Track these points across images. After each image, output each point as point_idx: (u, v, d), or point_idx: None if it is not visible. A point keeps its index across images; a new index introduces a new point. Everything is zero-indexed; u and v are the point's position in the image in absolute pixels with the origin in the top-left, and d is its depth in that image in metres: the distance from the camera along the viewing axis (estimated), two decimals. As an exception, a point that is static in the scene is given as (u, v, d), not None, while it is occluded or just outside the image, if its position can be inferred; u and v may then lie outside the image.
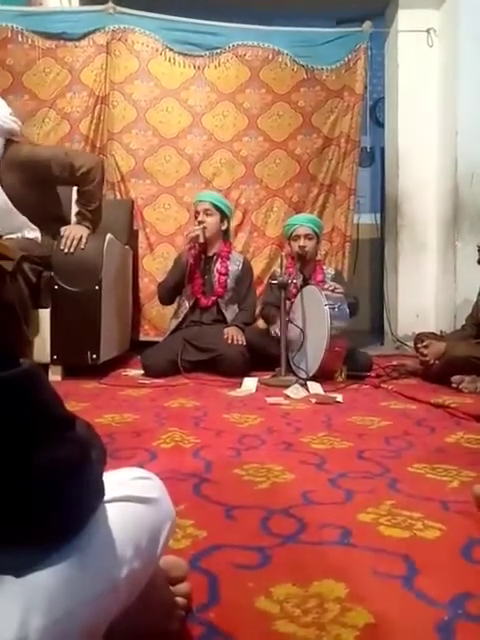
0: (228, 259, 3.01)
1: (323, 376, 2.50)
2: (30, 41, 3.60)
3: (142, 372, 2.67)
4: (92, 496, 0.49)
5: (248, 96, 3.74)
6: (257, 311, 3.17)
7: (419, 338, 2.79)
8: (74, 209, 2.77)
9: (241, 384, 2.41)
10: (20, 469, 0.41)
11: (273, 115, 3.76)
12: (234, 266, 3.00)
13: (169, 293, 3.04)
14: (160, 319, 3.50)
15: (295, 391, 2.26)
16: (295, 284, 2.78)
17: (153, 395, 2.19)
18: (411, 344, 3.27)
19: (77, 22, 3.64)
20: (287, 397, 2.19)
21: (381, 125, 4.82)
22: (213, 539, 0.88)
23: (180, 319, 2.94)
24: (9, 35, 3.57)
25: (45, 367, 2.44)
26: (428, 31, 4.02)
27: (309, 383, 2.38)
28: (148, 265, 3.66)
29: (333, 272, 3.11)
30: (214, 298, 2.94)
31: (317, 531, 0.92)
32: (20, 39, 3.58)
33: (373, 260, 5.07)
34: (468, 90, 3.71)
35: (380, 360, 3.04)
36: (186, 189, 3.68)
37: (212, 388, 2.38)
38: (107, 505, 0.51)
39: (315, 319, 2.59)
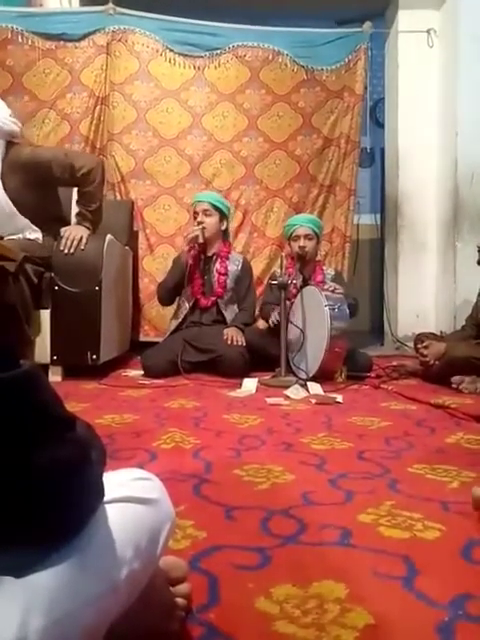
0: (227, 259, 3.01)
1: (323, 377, 2.50)
2: (30, 42, 3.60)
3: (142, 373, 2.67)
4: (92, 497, 0.49)
5: (248, 97, 3.75)
6: (257, 311, 3.18)
7: (419, 339, 2.79)
8: (74, 210, 2.77)
9: (241, 385, 2.41)
10: (20, 469, 0.41)
11: (273, 116, 3.76)
12: (233, 266, 3.01)
13: (169, 294, 3.04)
14: (160, 320, 3.50)
15: (295, 392, 2.26)
16: (295, 284, 2.78)
17: (153, 396, 2.19)
18: (411, 345, 3.27)
19: (77, 23, 3.65)
20: (287, 398, 2.19)
21: (381, 126, 4.82)
22: (213, 540, 0.88)
23: (180, 320, 2.94)
24: (9, 36, 3.57)
25: (45, 367, 2.44)
26: (428, 32, 4.02)
27: (309, 384, 2.38)
28: (148, 266, 3.66)
29: (333, 273, 3.11)
30: (214, 298, 2.94)
31: (317, 532, 0.92)
32: (20, 40, 3.58)
33: (373, 261, 5.07)
34: (468, 90, 3.71)
35: (380, 361, 3.04)
36: (186, 190, 3.68)
37: (212, 389, 2.38)
38: (107, 506, 0.51)
39: (315, 320, 2.59)
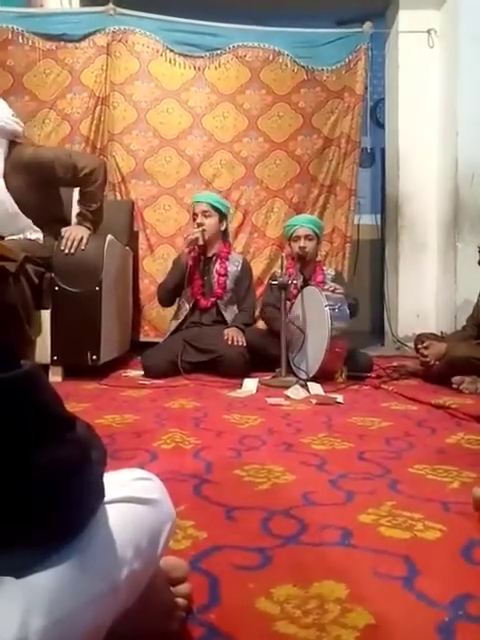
0: (227, 260, 3.01)
1: (323, 377, 2.50)
2: (30, 42, 3.60)
3: (142, 373, 2.67)
4: (92, 497, 0.49)
5: (248, 97, 3.75)
6: (257, 312, 3.18)
7: (419, 339, 2.80)
8: (75, 210, 2.77)
9: (241, 385, 2.41)
10: (20, 469, 0.41)
11: (273, 116, 3.76)
12: (233, 267, 3.00)
13: (169, 295, 3.04)
14: (160, 320, 3.50)
15: (295, 392, 2.26)
16: (295, 285, 2.78)
17: (153, 396, 2.19)
18: (411, 345, 3.27)
19: (77, 23, 3.65)
20: (287, 398, 2.19)
21: (381, 126, 4.81)
22: (213, 540, 0.88)
23: (180, 320, 2.93)
24: (10, 36, 3.57)
25: (45, 368, 2.44)
26: (429, 32, 4.02)
27: (309, 384, 2.38)
28: (148, 266, 3.66)
29: (333, 273, 3.11)
30: (213, 299, 2.94)
31: (318, 532, 0.91)
32: (21, 40, 3.59)
33: (373, 261, 5.07)
34: (468, 91, 3.71)
35: (380, 361, 3.04)
36: (186, 190, 3.68)
37: (212, 389, 2.38)
38: (107, 506, 0.51)
39: (315, 320, 2.59)
